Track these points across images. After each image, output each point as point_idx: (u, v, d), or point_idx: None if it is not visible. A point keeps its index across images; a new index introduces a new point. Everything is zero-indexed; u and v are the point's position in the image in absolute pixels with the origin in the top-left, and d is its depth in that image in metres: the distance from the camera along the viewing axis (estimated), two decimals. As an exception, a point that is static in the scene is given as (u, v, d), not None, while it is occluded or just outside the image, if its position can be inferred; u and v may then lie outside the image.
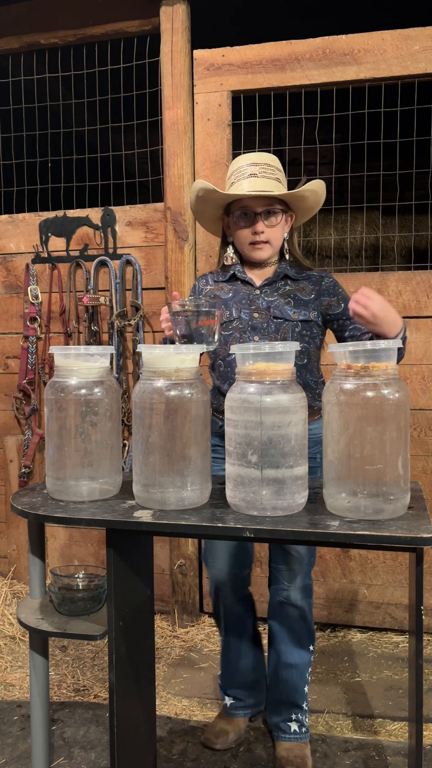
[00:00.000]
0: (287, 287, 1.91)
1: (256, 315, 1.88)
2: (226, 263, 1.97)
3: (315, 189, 1.89)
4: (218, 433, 1.91)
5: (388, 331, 1.65)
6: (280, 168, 1.90)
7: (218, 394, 1.93)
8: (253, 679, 2.14)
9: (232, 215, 1.90)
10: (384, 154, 2.97)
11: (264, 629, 2.23)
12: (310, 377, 1.91)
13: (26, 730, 2.20)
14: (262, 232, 1.86)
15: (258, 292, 1.91)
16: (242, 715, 2.15)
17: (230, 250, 1.96)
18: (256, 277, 1.94)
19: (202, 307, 1.61)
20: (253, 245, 1.89)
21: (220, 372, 1.92)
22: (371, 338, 1.77)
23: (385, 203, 3.09)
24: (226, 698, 2.15)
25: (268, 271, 1.95)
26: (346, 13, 3.31)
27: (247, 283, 1.93)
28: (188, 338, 1.59)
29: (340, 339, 1.95)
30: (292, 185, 1.92)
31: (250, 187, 1.83)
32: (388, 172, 2.93)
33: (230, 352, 1.70)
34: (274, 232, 1.89)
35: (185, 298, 1.87)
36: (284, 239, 1.94)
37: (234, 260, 1.96)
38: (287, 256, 1.96)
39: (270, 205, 1.85)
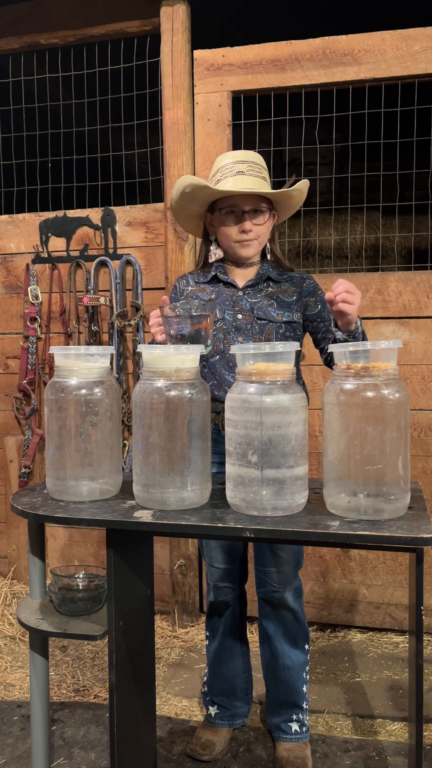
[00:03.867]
0: (270, 289, 1.92)
1: (239, 316, 1.89)
2: (210, 260, 1.96)
3: (301, 189, 1.91)
4: None
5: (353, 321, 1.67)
6: (265, 166, 1.91)
7: None
8: (241, 687, 2.12)
9: (217, 213, 1.89)
10: (384, 155, 2.97)
11: (252, 631, 2.22)
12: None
13: (26, 730, 2.20)
14: (250, 230, 1.86)
15: (241, 293, 1.92)
16: (227, 726, 2.12)
17: (214, 246, 1.95)
18: (239, 278, 1.95)
19: (195, 311, 1.60)
20: (240, 242, 1.88)
21: (204, 374, 1.91)
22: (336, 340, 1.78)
23: (385, 203, 3.09)
24: (210, 708, 2.13)
25: (251, 273, 1.95)
26: (347, 13, 3.31)
27: (229, 284, 1.94)
28: (182, 342, 1.59)
29: (315, 343, 1.98)
30: (279, 186, 1.93)
31: (239, 185, 1.82)
32: (389, 173, 2.93)
33: (230, 352, 1.70)
34: (261, 229, 1.89)
35: (167, 298, 1.86)
36: (267, 239, 1.95)
37: (218, 255, 1.95)
38: (269, 256, 1.96)
39: (257, 204, 1.86)
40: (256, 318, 1.88)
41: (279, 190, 1.86)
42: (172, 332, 1.60)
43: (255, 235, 1.88)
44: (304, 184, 1.90)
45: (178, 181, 1.88)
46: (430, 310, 2.74)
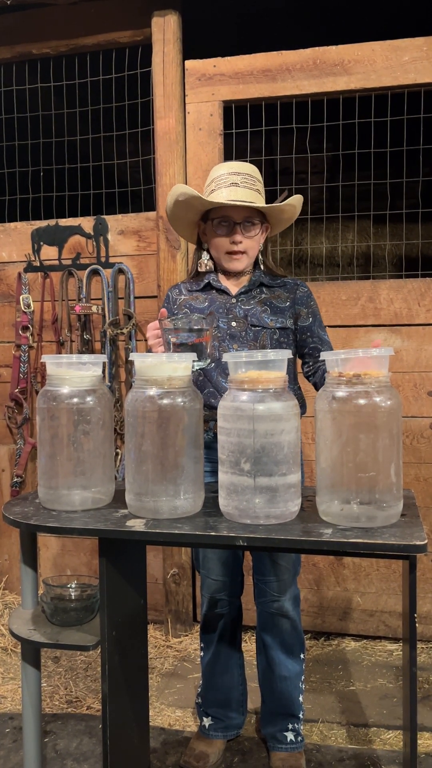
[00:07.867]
0: (263, 295, 1.93)
1: (234, 324, 1.89)
2: (200, 269, 1.97)
3: (294, 204, 1.91)
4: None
5: None
6: (260, 179, 1.91)
7: None
8: (236, 698, 2.11)
9: (209, 222, 1.90)
10: (375, 164, 2.99)
11: (246, 640, 2.20)
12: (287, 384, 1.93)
13: (18, 742, 2.18)
14: (241, 242, 1.87)
15: (234, 300, 1.92)
16: (221, 737, 2.10)
17: (205, 257, 1.96)
18: (232, 285, 1.95)
19: (195, 325, 1.60)
20: (230, 255, 1.89)
21: (200, 382, 1.91)
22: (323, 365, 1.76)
23: (376, 212, 3.10)
24: (204, 719, 2.11)
25: (244, 280, 1.95)
26: (337, 24, 3.33)
27: (222, 291, 1.94)
28: None
29: (299, 354, 1.97)
30: (271, 195, 1.93)
31: (232, 196, 1.83)
32: (379, 181, 2.94)
33: (222, 360, 1.70)
34: (252, 243, 1.89)
35: (165, 311, 1.86)
36: (259, 250, 1.95)
37: (209, 267, 1.96)
38: (261, 266, 1.97)
39: (249, 216, 1.86)
40: (250, 325, 1.88)
41: (270, 205, 1.87)
42: (171, 346, 1.59)
43: (244, 248, 1.88)
44: (297, 200, 1.90)
45: (172, 189, 1.89)
46: (421, 317, 2.75)
